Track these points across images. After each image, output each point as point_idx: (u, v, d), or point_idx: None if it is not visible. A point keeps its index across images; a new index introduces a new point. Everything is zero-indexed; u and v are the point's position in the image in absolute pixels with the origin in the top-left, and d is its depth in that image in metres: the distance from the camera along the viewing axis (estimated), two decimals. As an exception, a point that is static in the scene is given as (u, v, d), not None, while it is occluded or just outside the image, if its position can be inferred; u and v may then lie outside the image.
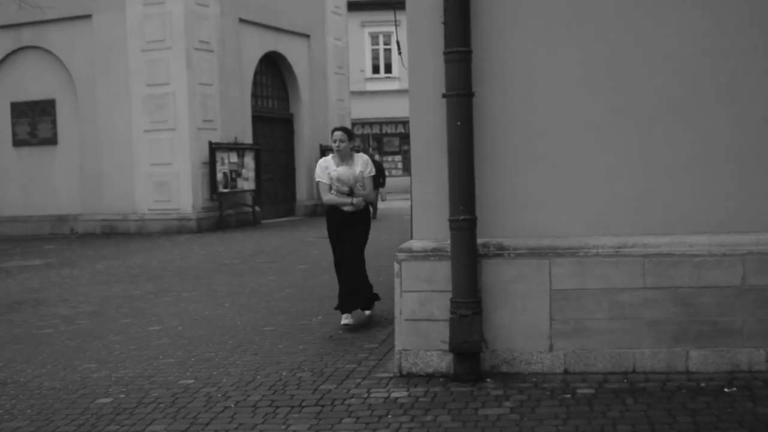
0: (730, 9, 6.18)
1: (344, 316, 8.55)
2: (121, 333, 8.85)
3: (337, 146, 8.45)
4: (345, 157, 8.54)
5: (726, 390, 5.77)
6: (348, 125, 30.10)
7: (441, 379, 6.34)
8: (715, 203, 6.22)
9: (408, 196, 7.26)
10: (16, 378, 7.16)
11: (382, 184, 25.69)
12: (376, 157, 33.03)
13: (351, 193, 8.43)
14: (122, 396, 6.41)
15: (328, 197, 8.51)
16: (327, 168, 8.53)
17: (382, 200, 25.80)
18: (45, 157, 23.70)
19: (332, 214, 8.64)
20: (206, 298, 10.99)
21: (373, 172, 8.66)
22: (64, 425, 5.78)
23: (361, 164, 8.57)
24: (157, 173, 21.98)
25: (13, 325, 9.70)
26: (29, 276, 14.33)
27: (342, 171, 8.42)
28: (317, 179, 8.62)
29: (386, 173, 28.03)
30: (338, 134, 8.49)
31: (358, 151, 8.94)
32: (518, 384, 6.07)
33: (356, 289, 8.53)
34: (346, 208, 8.49)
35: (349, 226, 8.57)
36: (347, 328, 8.42)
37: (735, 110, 6.18)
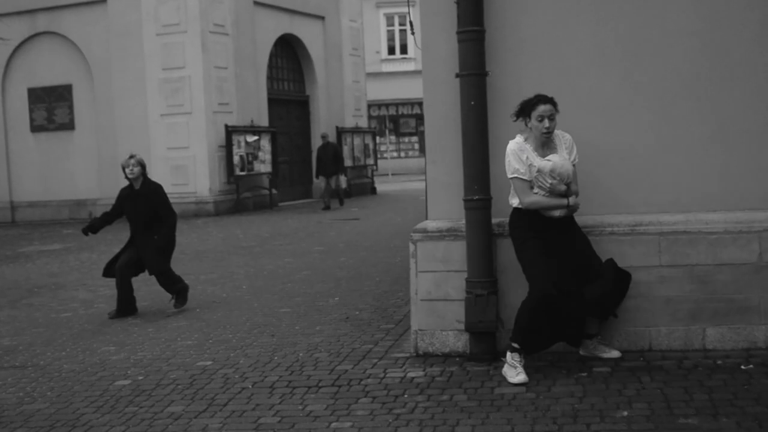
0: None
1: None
2: (140, 316, 8.92)
3: (548, 127, 5.84)
4: (548, 142, 5.96)
5: (743, 367, 5.75)
6: (364, 107, 30.05)
7: (457, 359, 6.35)
8: (731, 180, 6.18)
9: (423, 176, 7.22)
10: (36, 361, 7.23)
11: (343, 171, 24.39)
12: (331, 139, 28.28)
13: (568, 192, 5.91)
14: (141, 378, 6.46)
15: (533, 199, 5.88)
16: (527, 156, 5.91)
17: (343, 187, 24.54)
18: (62, 142, 23.82)
19: (538, 222, 5.95)
20: (224, 280, 11.05)
21: (577, 159, 6.05)
22: (83, 407, 5.84)
23: (567, 148, 6.00)
24: (174, 157, 22.06)
25: (33, 309, 9.79)
26: (48, 260, 14.44)
27: (558, 161, 5.84)
28: (513, 174, 5.91)
29: (345, 159, 25.85)
30: (547, 108, 5.82)
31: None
32: (534, 363, 6.08)
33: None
34: (556, 213, 5.93)
35: (564, 235, 5.98)
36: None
37: (750, 86, 6.12)
